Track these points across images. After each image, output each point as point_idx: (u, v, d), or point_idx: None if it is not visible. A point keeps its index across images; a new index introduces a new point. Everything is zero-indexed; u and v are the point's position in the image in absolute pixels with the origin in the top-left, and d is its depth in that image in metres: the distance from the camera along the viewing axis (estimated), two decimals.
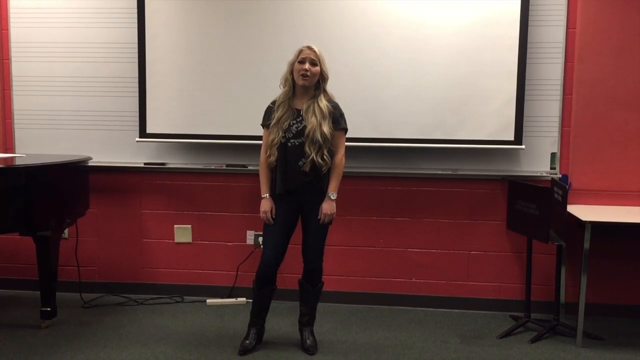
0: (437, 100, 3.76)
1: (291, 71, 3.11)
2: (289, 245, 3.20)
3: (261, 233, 3.33)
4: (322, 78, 3.11)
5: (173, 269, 4.19)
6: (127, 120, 4.04)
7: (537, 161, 3.84)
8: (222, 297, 4.09)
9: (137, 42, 3.91)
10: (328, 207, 3.13)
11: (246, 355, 3.19)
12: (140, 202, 4.17)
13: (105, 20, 4.00)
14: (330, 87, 3.18)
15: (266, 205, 3.15)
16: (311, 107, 3.09)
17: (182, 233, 4.16)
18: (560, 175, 3.81)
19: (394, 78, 3.77)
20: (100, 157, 4.06)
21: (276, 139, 3.09)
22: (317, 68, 3.08)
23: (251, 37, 3.84)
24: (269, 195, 3.17)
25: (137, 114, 3.96)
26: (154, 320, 3.71)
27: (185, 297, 4.13)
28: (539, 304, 3.83)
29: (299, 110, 3.12)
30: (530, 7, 3.67)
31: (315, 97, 3.11)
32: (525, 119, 3.73)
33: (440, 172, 3.91)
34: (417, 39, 3.74)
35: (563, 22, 3.75)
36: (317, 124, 3.05)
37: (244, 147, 3.90)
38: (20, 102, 4.11)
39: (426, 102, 3.77)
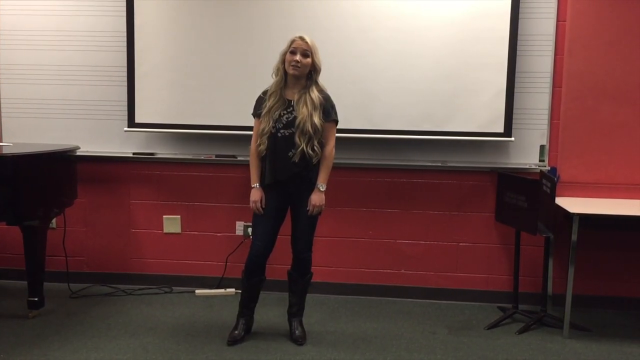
0: (427, 92, 3.75)
1: (283, 61, 3.10)
2: (279, 236, 3.20)
3: (250, 224, 3.32)
4: (314, 69, 3.09)
5: (162, 259, 4.18)
6: (116, 110, 4.00)
7: (526, 153, 3.85)
8: (210, 287, 4.09)
9: (125, 30, 3.87)
10: (317, 199, 3.12)
11: (235, 346, 3.19)
12: (128, 192, 4.14)
13: (94, 8, 3.96)
14: (320, 78, 3.16)
15: (256, 194, 3.14)
16: (302, 98, 3.08)
17: (171, 223, 4.15)
18: (549, 168, 3.83)
19: (384, 70, 3.76)
20: (88, 147, 4.02)
21: (267, 129, 3.08)
22: (309, 59, 3.06)
23: (241, 27, 3.81)
24: (259, 185, 3.16)
25: (126, 103, 3.92)
26: (142, 311, 3.70)
27: (173, 288, 4.12)
28: (526, 295, 3.85)
29: (290, 101, 3.10)
30: (521, 0, 3.67)
31: (306, 88, 3.10)
32: (514, 111, 3.73)
33: (429, 163, 3.91)
34: (408, 30, 3.73)
35: (553, 15, 3.76)
36: (307, 114, 3.04)
37: (234, 137, 3.89)
38: (7, 91, 4.07)
39: (416, 94, 3.76)
